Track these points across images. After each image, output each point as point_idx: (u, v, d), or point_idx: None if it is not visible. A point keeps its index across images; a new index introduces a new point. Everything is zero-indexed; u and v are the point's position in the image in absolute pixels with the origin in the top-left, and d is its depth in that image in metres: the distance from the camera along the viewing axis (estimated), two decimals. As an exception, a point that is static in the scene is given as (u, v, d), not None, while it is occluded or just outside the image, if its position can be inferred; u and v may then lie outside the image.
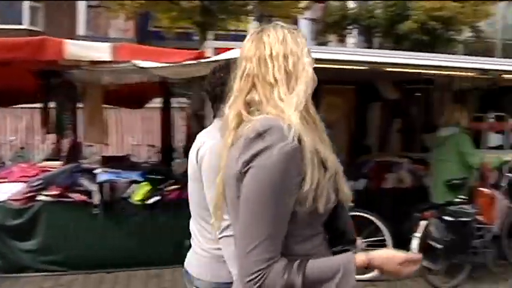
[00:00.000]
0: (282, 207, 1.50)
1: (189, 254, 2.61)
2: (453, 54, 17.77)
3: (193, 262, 2.55)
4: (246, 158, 1.50)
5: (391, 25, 17.98)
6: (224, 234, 2.18)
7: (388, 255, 1.64)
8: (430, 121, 7.96)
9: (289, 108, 1.55)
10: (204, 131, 2.59)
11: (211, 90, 2.52)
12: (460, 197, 5.56)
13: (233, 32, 15.46)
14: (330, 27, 18.86)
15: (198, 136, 2.55)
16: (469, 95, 7.77)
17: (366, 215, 5.71)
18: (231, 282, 1.91)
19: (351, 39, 20.83)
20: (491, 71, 5.78)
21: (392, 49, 16.41)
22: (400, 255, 1.64)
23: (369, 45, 19.49)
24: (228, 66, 2.35)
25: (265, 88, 1.60)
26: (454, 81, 7.40)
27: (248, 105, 1.62)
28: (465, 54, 18.26)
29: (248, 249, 1.48)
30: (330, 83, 7.29)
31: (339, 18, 18.34)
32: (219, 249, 2.30)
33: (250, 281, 1.47)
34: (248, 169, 1.49)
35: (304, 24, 19.98)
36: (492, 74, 5.78)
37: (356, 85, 7.94)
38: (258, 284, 1.46)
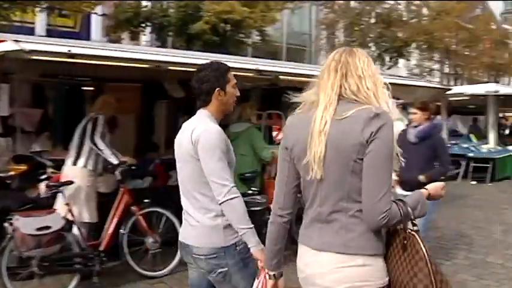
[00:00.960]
0: (392, 165, 2.11)
1: (183, 229, 3.04)
2: (243, 55, 18.71)
3: (190, 234, 2.95)
4: (371, 130, 2.05)
5: (183, 25, 18.22)
6: (226, 198, 2.75)
7: (435, 185, 2.36)
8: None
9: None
10: (191, 119, 3.04)
11: (198, 86, 3.01)
12: (252, 188, 5.88)
13: (18, 24, 14.36)
14: (122, 24, 18.46)
15: (185, 124, 3.05)
16: (253, 94, 8.23)
17: (162, 211, 5.79)
18: (225, 246, 2.81)
19: (144, 37, 20.69)
20: (269, 72, 6.18)
21: (185, 49, 16.68)
22: (440, 184, 2.40)
23: (162, 44, 19.55)
24: (211, 65, 3.07)
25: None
26: (238, 81, 7.77)
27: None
28: (254, 56, 19.35)
29: (380, 195, 2.03)
30: (116, 81, 7.19)
31: (131, 15, 18.04)
32: (216, 218, 2.84)
33: (382, 218, 2.04)
34: (373, 138, 2.05)
35: (95, 20, 19.35)
36: (270, 74, 6.19)
37: (143, 83, 7.88)
38: (387, 218, 2.04)
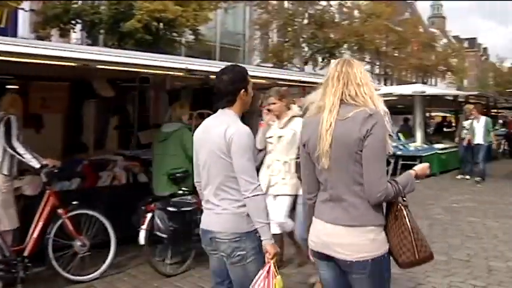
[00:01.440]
0: (385, 154, 2.64)
1: (204, 218, 3.31)
2: (176, 54, 18.53)
3: (213, 221, 3.21)
4: (368, 127, 2.54)
5: (115, 23, 17.89)
6: (252, 194, 3.04)
7: (421, 166, 2.94)
8: (146, 118, 8.19)
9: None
10: (215, 118, 3.28)
11: (223, 87, 3.22)
12: (182, 188, 5.82)
13: None
14: (50, 21, 17.89)
15: (210, 122, 3.31)
16: (184, 93, 8.19)
17: (91, 213, 5.65)
18: (247, 232, 3.11)
19: (75, 34, 20.17)
20: (199, 71, 6.15)
21: (117, 47, 16.36)
22: (425, 164, 3.01)
23: (93, 42, 19.11)
24: (234, 68, 3.31)
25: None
26: (168, 80, 7.72)
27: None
28: (188, 56, 19.19)
29: (379, 176, 2.57)
30: (43, 80, 6.95)
31: (60, 11, 17.51)
32: (240, 207, 3.11)
33: (380, 195, 2.57)
34: (370, 133, 2.54)
35: (22, 16, 18.65)
36: (200, 74, 6.15)
37: (71, 82, 7.66)
38: (384, 195, 2.57)
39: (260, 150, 5.48)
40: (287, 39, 28.18)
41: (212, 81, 7.19)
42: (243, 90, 3.26)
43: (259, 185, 3.14)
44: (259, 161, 5.37)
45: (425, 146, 15.38)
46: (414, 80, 46.07)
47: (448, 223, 8.41)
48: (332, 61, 2.86)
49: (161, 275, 5.66)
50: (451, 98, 18.94)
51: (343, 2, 28.75)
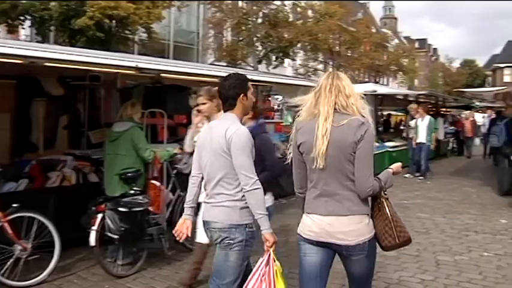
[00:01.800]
0: (373, 155, 3.10)
1: (204, 211, 3.67)
2: (129, 52, 18.32)
3: (210, 213, 3.56)
4: (361, 133, 2.99)
5: (65, 19, 17.52)
6: (252, 187, 3.39)
7: (397, 165, 3.42)
8: (96, 117, 8.06)
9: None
10: (218, 121, 3.69)
11: (226, 92, 3.57)
12: (134, 188, 5.76)
13: None
14: (-2, 16, 17.37)
15: (212, 124, 3.78)
16: (136, 92, 8.10)
17: (34, 216, 5.47)
18: (238, 224, 3.43)
19: (24, 31, 19.66)
20: (149, 69, 6.10)
21: (68, 44, 16.04)
22: (399, 163, 3.47)
23: (43, 39, 18.68)
24: (235, 75, 3.67)
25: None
26: (119, 79, 7.62)
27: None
28: (141, 54, 19.01)
29: (368, 174, 3.03)
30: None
31: (8, 7, 17.00)
32: (234, 201, 3.45)
33: (369, 190, 3.03)
34: (363, 138, 2.99)
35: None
36: (151, 72, 6.11)
37: (18, 80, 7.44)
38: (372, 190, 3.04)
39: (191, 155, 5.17)
40: (241, 38, 28.20)
41: (164, 79, 7.22)
42: (243, 95, 3.59)
43: (258, 179, 3.45)
44: (191, 166, 5.23)
45: (377, 144, 15.63)
46: (366, 80, 46.71)
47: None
48: (323, 74, 3.37)
49: (112, 277, 5.57)
50: (402, 97, 19.35)
51: (297, 1, 28.93)
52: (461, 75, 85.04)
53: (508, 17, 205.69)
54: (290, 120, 17.23)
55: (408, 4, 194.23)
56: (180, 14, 27.35)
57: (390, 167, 3.38)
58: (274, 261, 3.36)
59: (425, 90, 40.69)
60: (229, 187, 3.51)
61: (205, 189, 3.71)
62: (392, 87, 44.07)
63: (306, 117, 3.20)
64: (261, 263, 3.37)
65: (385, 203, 3.17)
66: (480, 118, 23.89)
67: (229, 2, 27.44)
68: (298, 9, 29.42)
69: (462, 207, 9.78)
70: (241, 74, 3.77)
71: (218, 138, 3.51)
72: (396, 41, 67.59)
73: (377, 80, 48.57)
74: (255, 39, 27.11)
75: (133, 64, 5.83)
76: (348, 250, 3.10)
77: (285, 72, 31.43)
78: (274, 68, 28.85)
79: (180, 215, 6.60)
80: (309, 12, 30.06)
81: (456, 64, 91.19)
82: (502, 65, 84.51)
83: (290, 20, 28.40)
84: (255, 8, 27.02)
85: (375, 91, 15.59)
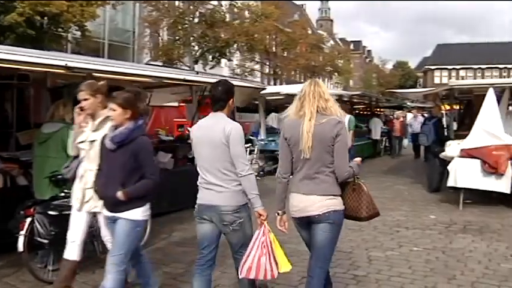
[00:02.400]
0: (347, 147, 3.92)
1: (206, 195, 4.20)
2: (63, 51, 17.81)
3: (216, 197, 4.13)
4: (337, 130, 3.74)
5: (-6, 16, 16.87)
6: (246, 173, 4.06)
7: (358, 159, 4.13)
8: (25, 118, 7.81)
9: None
10: (211, 118, 4.25)
11: (218, 96, 4.24)
12: (65, 191, 5.59)
13: None
14: None
15: (207, 122, 4.28)
16: (67, 91, 7.87)
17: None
18: (243, 204, 4.13)
19: None
20: (80, 69, 5.96)
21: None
22: (358, 159, 4.15)
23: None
24: (225, 82, 4.40)
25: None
26: (49, 78, 7.40)
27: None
28: (75, 53, 18.53)
29: (345, 162, 3.79)
30: None
31: None
32: (237, 185, 4.10)
33: (346, 174, 3.80)
34: (339, 134, 3.74)
35: None
36: (82, 72, 5.97)
37: None
38: (348, 174, 3.81)
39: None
40: (177, 38, 27.99)
41: (97, 79, 7.04)
42: (231, 99, 4.31)
43: (250, 166, 4.16)
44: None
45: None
46: (302, 80, 47.41)
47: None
48: (310, 82, 4.05)
49: (43, 283, 5.39)
50: (337, 97, 19.71)
51: (233, 2, 28.99)
52: (394, 76, 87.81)
53: (438, 22, 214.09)
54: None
55: (344, 7, 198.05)
56: (115, 12, 26.78)
57: (355, 159, 4.10)
58: (269, 231, 4.06)
59: (360, 90, 41.63)
60: (230, 173, 4.13)
61: (202, 179, 4.24)
62: (327, 87, 44.77)
63: (293, 116, 3.95)
64: (258, 234, 4.05)
65: (362, 184, 3.97)
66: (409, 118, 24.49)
67: (166, 1, 27.18)
68: (235, 9, 29.46)
69: (394, 204, 10.08)
70: (229, 82, 4.48)
71: (218, 132, 4.12)
72: (332, 42, 68.94)
73: (313, 80, 49.27)
74: (191, 38, 26.96)
75: (62, 63, 5.68)
76: (316, 219, 3.86)
77: (221, 72, 31.48)
78: (211, 68, 28.80)
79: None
80: (246, 13, 30.16)
81: (389, 66, 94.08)
82: (432, 67, 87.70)
83: (227, 20, 28.41)
84: (191, 7, 26.87)
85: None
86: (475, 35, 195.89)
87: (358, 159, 4.18)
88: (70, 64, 5.72)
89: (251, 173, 4.12)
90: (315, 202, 3.83)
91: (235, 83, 11.23)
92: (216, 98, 4.27)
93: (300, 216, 3.94)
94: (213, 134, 4.13)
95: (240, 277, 4.19)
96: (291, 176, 4.04)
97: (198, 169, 4.28)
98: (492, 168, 9.05)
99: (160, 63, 25.73)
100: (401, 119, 22.65)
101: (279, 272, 4.07)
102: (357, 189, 3.97)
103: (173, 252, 6.78)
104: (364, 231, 7.72)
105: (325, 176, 3.84)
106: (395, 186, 12.72)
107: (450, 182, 9.55)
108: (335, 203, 3.86)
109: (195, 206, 4.29)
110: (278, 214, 4.10)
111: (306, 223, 3.95)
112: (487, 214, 8.99)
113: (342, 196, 3.94)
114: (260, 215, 4.07)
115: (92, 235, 5.92)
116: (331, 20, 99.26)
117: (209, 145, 4.16)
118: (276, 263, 4.05)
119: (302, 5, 71.12)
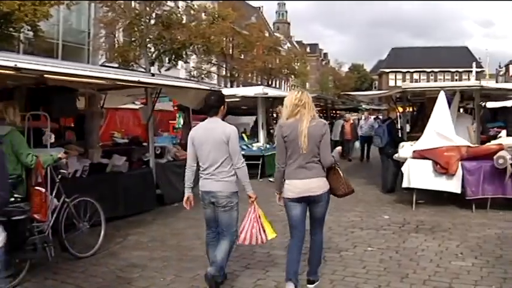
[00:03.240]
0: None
1: (207, 184, 5.28)
2: (14, 52, 17.37)
3: (216, 186, 5.24)
4: (324, 129, 4.97)
5: None
6: (241, 165, 5.23)
7: (339, 148, 5.99)
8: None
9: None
10: (210, 122, 5.34)
11: (213, 103, 5.34)
12: (14, 196, 5.43)
13: None
14: None
15: (207, 124, 5.37)
16: (17, 93, 7.68)
17: None
18: (235, 191, 5.26)
19: None
20: (31, 70, 5.82)
21: None
22: (339, 147, 6.22)
23: None
24: (217, 92, 5.94)
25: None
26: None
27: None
28: (27, 53, 18.09)
29: (329, 152, 5.01)
30: None
31: None
32: (231, 177, 5.22)
33: (330, 161, 5.04)
34: (325, 133, 4.96)
35: None
36: (32, 73, 5.82)
37: None
38: (332, 162, 5.07)
39: None
40: (133, 39, 27.64)
41: (49, 80, 6.89)
42: (223, 106, 5.43)
43: (244, 160, 5.33)
44: None
45: (268, 146, 15.85)
46: (259, 82, 47.64)
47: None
48: (301, 91, 5.17)
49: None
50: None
51: (190, 3, 28.82)
52: (350, 79, 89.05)
53: (393, 26, 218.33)
54: (182, 123, 17.12)
55: (301, 10, 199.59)
56: (69, 12, 26.20)
57: (336, 149, 5.67)
58: (258, 208, 5.39)
59: (316, 93, 42.03)
60: (227, 167, 5.25)
61: (204, 171, 5.32)
62: (284, 90, 45.11)
63: (289, 118, 5.03)
64: (250, 211, 5.37)
65: (339, 170, 5.19)
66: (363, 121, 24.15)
67: (122, 1, 26.80)
68: (192, 11, 29.30)
69: (349, 205, 10.15)
70: (221, 92, 6.04)
71: (219, 134, 5.23)
72: (288, 45, 69.48)
73: (269, 82, 49.55)
74: (147, 40, 26.64)
75: (11, 64, 5.52)
76: (316, 198, 5.04)
77: (178, 74, 31.28)
78: (167, 70, 28.56)
79: (66, 221, 6.40)
80: (202, 15, 30.03)
81: (345, 68, 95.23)
82: (387, 70, 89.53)
83: (183, 22, 28.21)
84: (148, 8, 26.56)
85: (266, 93, 15.85)
86: (430, 39, 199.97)
87: (339, 148, 5.87)
88: (20, 65, 5.56)
89: (244, 166, 5.29)
90: (315, 184, 5.00)
91: (190, 85, 11.31)
92: (210, 105, 5.38)
93: (300, 196, 5.01)
94: (216, 134, 5.24)
95: (237, 243, 5.53)
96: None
97: (199, 163, 5.38)
98: (443, 169, 9.28)
99: (116, 65, 25.36)
100: (351, 121, 22.27)
101: (267, 239, 5.42)
102: (336, 174, 5.19)
103: (128, 256, 6.69)
104: (319, 232, 7.77)
105: (314, 163, 5.00)
106: (350, 187, 12.77)
107: (404, 183, 9.76)
108: (326, 185, 5.08)
109: (199, 193, 5.40)
110: (278, 194, 5.23)
111: (303, 202, 5.05)
112: (438, 214, 9.21)
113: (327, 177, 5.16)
114: (250, 196, 5.37)
115: (44, 241, 5.80)
116: (288, 23, 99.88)
117: (212, 143, 5.25)
118: (265, 232, 5.37)
119: (259, 7, 71.41)
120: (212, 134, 5.23)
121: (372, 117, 23.09)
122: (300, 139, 4.88)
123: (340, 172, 5.16)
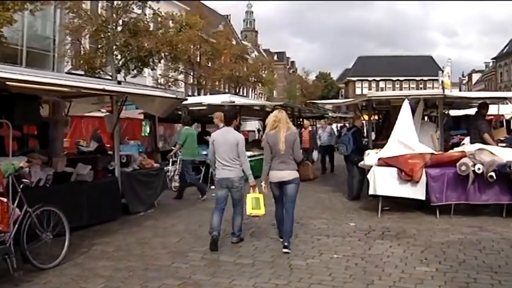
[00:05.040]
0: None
1: (223, 172, 7.58)
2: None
3: (229, 173, 7.54)
4: (296, 136, 7.49)
5: None
6: (246, 162, 7.64)
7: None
8: None
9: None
10: (225, 130, 7.77)
11: (228, 116, 7.96)
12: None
13: None
14: None
15: (222, 132, 7.82)
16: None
17: None
18: (241, 176, 7.68)
19: None
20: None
21: None
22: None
23: None
24: (233, 108, 12.30)
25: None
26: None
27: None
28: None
29: (300, 153, 7.55)
30: None
31: None
32: (240, 167, 7.58)
33: (300, 159, 7.59)
34: (296, 138, 7.44)
35: None
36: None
37: None
38: (301, 158, 7.66)
39: None
40: (100, 46, 27.32)
41: (11, 87, 6.77)
42: (235, 118, 8.00)
43: (247, 158, 7.79)
44: None
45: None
46: (227, 90, 47.70)
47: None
48: (279, 111, 7.59)
49: None
50: (259, 108, 19.87)
51: (157, 11, 28.66)
52: (317, 87, 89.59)
53: (359, 35, 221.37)
54: (148, 131, 16.95)
55: (269, 18, 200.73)
56: (34, 18, 25.78)
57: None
58: (257, 191, 7.62)
59: (283, 101, 42.24)
60: (237, 160, 7.52)
61: (221, 163, 7.55)
62: (251, 98, 45.22)
63: (271, 130, 7.32)
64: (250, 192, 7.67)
65: (308, 163, 9.03)
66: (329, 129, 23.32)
67: (88, 8, 26.47)
68: (159, 18, 29.13)
69: (315, 212, 10.26)
70: (236, 108, 11.04)
71: (232, 139, 7.55)
72: (256, 53, 69.81)
73: (237, 90, 49.62)
74: (114, 47, 26.37)
75: None
76: (289, 182, 7.25)
77: (145, 82, 31.05)
78: (133, 77, 28.31)
79: (29, 232, 6.27)
80: (170, 23, 29.90)
81: (312, 77, 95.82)
82: (353, 78, 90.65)
83: (150, 29, 28.04)
84: (114, 15, 26.29)
85: (233, 102, 15.88)
86: (396, 49, 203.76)
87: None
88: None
89: (248, 162, 7.65)
90: (288, 173, 7.24)
91: (156, 93, 11.26)
92: (228, 118, 7.90)
93: (278, 181, 7.30)
94: (230, 139, 7.56)
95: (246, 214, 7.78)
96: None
97: (216, 158, 7.58)
98: (408, 176, 9.43)
99: (82, 72, 25.05)
100: (309, 128, 21.29)
101: (247, 212, 7.66)
102: (306, 166, 8.73)
103: (93, 266, 6.58)
104: (286, 240, 7.81)
105: (290, 160, 7.25)
106: (316, 195, 12.85)
107: (370, 190, 9.88)
108: (296, 174, 7.29)
109: (215, 180, 7.82)
110: (265, 182, 7.47)
111: (280, 185, 7.32)
112: (404, 220, 9.35)
113: (298, 170, 7.37)
114: (252, 185, 7.62)
115: (5, 252, 5.67)
116: (256, 31, 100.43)
117: (227, 144, 7.54)
118: (259, 208, 7.58)
119: (227, 15, 71.56)
120: (227, 138, 7.57)
121: (329, 126, 22.87)
122: (280, 144, 7.17)
123: (310, 166, 8.28)
